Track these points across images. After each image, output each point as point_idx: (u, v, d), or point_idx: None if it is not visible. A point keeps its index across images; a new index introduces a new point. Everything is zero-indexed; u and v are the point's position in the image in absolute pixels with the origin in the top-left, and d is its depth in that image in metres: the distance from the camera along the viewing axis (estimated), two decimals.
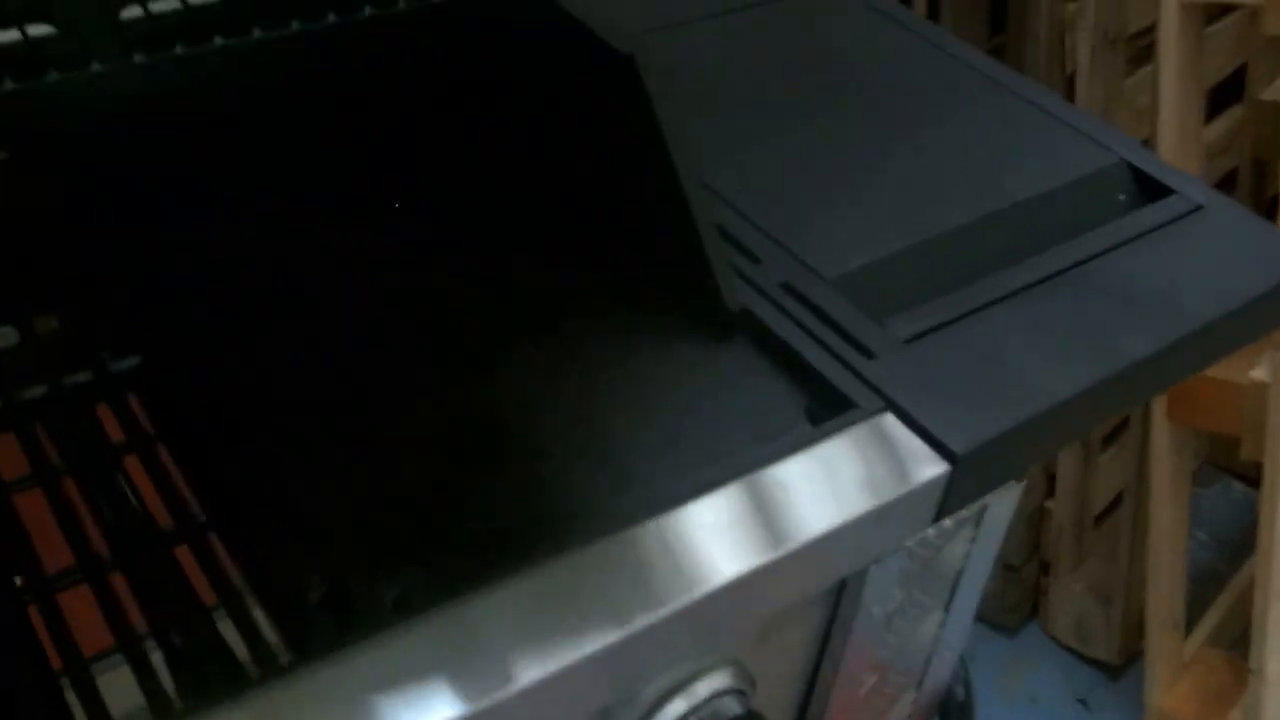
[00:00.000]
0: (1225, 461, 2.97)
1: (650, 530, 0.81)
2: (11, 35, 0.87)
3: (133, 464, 0.94)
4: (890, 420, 0.91)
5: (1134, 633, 2.58)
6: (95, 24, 1.01)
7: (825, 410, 0.92)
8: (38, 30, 1.03)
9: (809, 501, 0.84)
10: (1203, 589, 2.68)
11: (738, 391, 0.94)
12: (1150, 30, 2.21)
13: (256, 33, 0.94)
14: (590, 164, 1.06)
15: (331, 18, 0.97)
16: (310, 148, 1.12)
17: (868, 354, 0.95)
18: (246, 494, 0.91)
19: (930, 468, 0.88)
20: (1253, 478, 2.69)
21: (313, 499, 0.87)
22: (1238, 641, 2.50)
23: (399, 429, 0.90)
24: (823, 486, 0.86)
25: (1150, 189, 1.19)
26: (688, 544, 0.80)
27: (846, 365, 0.94)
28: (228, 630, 0.85)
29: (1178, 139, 1.95)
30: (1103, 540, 2.62)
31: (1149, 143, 2.09)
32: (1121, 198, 1.18)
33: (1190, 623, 2.46)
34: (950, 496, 0.91)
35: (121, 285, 0.99)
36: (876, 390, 0.93)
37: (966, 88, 1.28)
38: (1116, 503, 2.58)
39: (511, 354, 0.95)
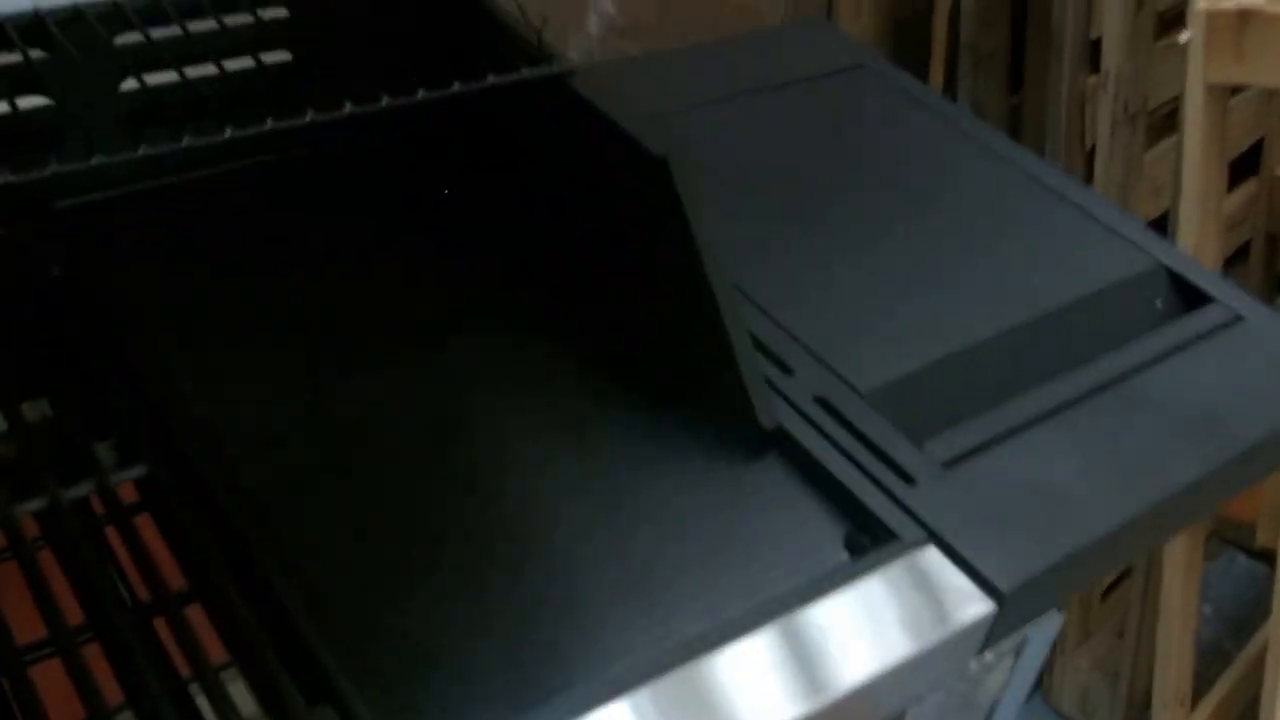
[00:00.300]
0: (1231, 535, 2.92)
1: (685, 676, 0.77)
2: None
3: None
4: (933, 554, 0.87)
5: (1139, 707, 2.53)
6: (92, 102, 0.97)
7: (865, 538, 0.88)
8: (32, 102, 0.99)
9: (849, 646, 0.80)
10: (1207, 664, 2.63)
11: (774, 515, 0.90)
12: (1170, 104, 2.17)
13: (269, 123, 0.89)
14: (622, 258, 1.02)
15: (348, 108, 0.92)
16: (329, 238, 1.08)
17: (908, 479, 0.91)
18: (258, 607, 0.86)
19: (975, 606, 0.84)
20: (1259, 551, 2.65)
21: (320, 620, 0.83)
22: (1243, 717, 2.45)
23: (415, 550, 0.85)
24: (863, 628, 0.81)
25: (1188, 294, 1.15)
26: (723, 693, 0.76)
27: (886, 491, 0.90)
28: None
29: (1199, 218, 1.91)
30: (1110, 614, 2.57)
31: (1169, 219, 2.06)
32: (1159, 304, 1.14)
33: (1194, 698, 2.41)
34: (993, 632, 0.86)
35: (122, 381, 0.94)
36: (917, 520, 0.88)
37: (998, 180, 1.24)
38: (1124, 576, 2.54)
39: (541, 467, 0.91)
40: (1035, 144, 2.22)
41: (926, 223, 1.16)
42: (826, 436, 0.94)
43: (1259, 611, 1.92)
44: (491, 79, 0.96)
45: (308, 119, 0.88)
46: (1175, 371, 1.04)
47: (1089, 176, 2.14)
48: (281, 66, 1.07)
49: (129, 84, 1.03)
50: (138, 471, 0.89)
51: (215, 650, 0.80)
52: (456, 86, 0.95)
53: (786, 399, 0.96)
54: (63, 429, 1.06)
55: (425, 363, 0.98)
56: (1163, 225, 2.18)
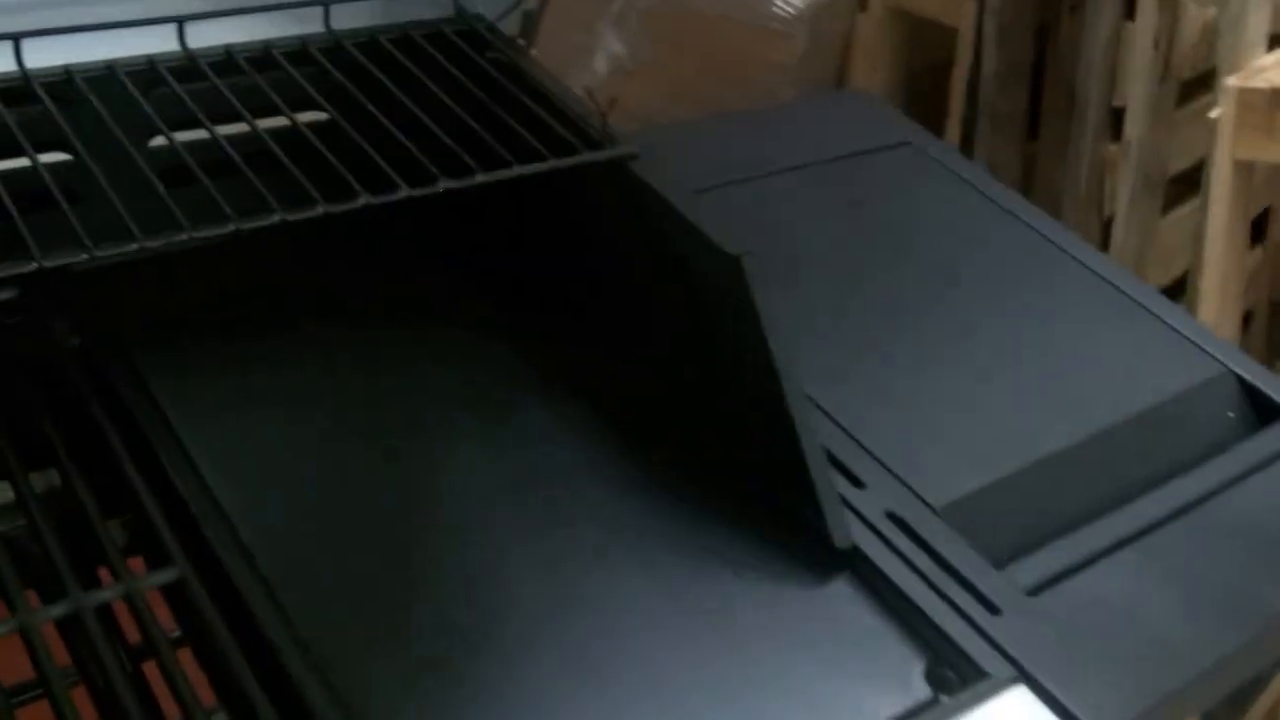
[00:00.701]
0: None
1: None
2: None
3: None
4: (1023, 693, 0.80)
5: None
6: (118, 160, 0.89)
7: (949, 672, 0.81)
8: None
9: None
10: None
11: (849, 641, 0.83)
12: (1190, 172, 2.13)
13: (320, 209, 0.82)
14: (690, 350, 0.96)
15: (403, 192, 0.85)
16: (369, 304, 1.01)
17: (992, 608, 0.85)
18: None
19: None
20: None
21: None
22: None
23: (466, 665, 0.78)
24: None
25: (1259, 402, 1.10)
26: None
27: (969, 620, 0.84)
28: None
29: (1219, 291, 1.87)
30: None
31: (1184, 285, 2.01)
32: (1231, 414, 1.08)
33: None
34: None
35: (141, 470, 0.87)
36: (1004, 654, 0.82)
37: (1055, 272, 1.18)
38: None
39: (603, 583, 0.84)
40: (1047, 207, 2.17)
41: (988, 319, 1.10)
42: (902, 557, 0.88)
43: None
44: (551, 162, 0.89)
45: (360, 203, 0.81)
46: (1257, 491, 0.98)
47: (1104, 245, 2.09)
48: (319, 125, 1.00)
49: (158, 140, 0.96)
50: (167, 576, 0.81)
51: None
52: (515, 169, 0.88)
53: (858, 514, 0.90)
54: (74, 508, 1.00)
55: (454, 454, 0.91)
56: (1170, 293, 2.13)
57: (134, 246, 0.75)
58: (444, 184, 0.84)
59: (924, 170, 1.25)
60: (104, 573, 0.87)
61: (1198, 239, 1.90)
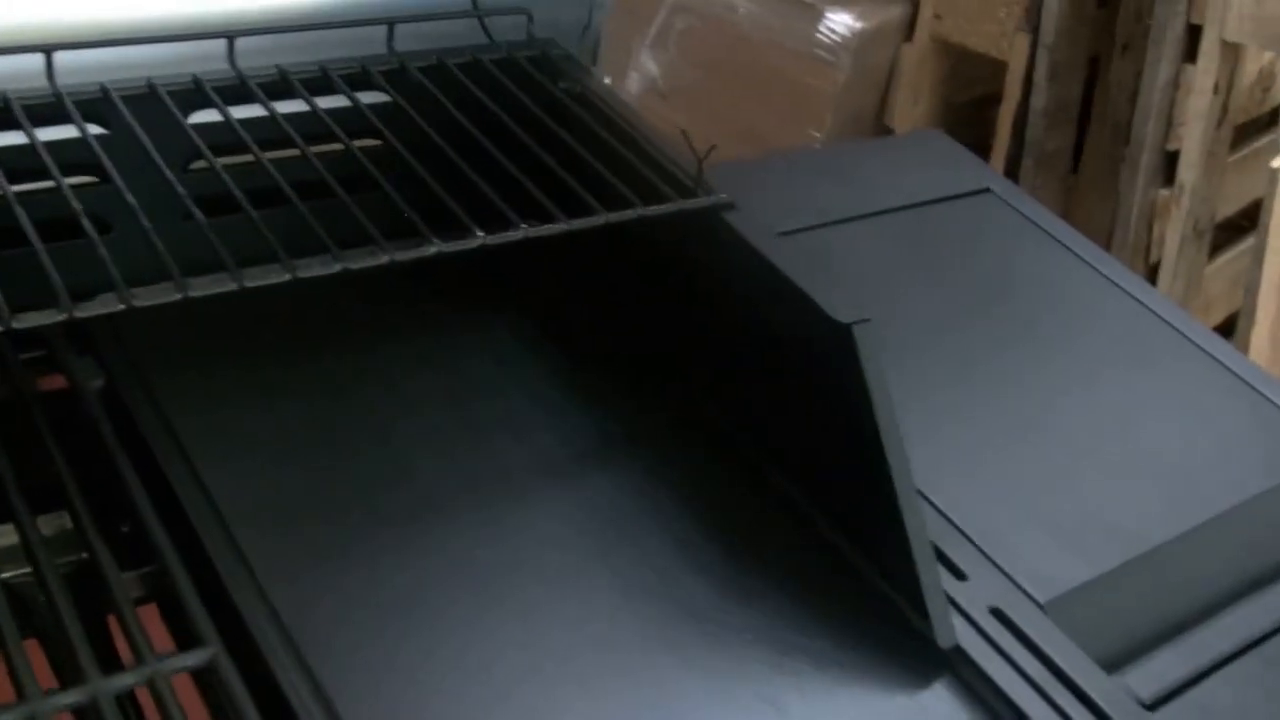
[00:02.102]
0: None
1: None
2: None
3: None
4: None
5: None
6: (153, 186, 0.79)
7: None
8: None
9: None
10: None
11: None
12: (1236, 218, 2.04)
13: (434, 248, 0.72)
14: (786, 408, 0.86)
15: (480, 238, 0.75)
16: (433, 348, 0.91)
17: None
18: None
19: None
20: None
21: None
22: None
23: None
24: None
25: None
26: None
27: None
28: None
29: (1272, 341, 1.78)
30: None
31: (1227, 331, 1.92)
32: None
33: None
34: None
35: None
36: None
37: (1146, 335, 1.08)
38: None
39: (682, 684, 0.74)
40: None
41: (1083, 388, 1.00)
42: (1007, 658, 0.78)
43: None
44: (641, 210, 0.79)
45: (431, 252, 0.71)
46: None
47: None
48: (376, 153, 0.89)
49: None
50: (198, 659, 0.70)
51: None
52: (603, 217, 0.78)
53: (960, 609, 0.79)
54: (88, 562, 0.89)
55: (519, 521, 0.81)
56: None
57: (176, 296, 0.64)
58: (525, 231, 0.74)
59: (1006, 221, 1.15)
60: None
61: (1249, 290, 1.80)
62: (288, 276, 0.67)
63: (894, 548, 0.77)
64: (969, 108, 2.23)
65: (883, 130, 2.22)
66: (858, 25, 2.12)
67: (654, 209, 0.80)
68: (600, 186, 0.82)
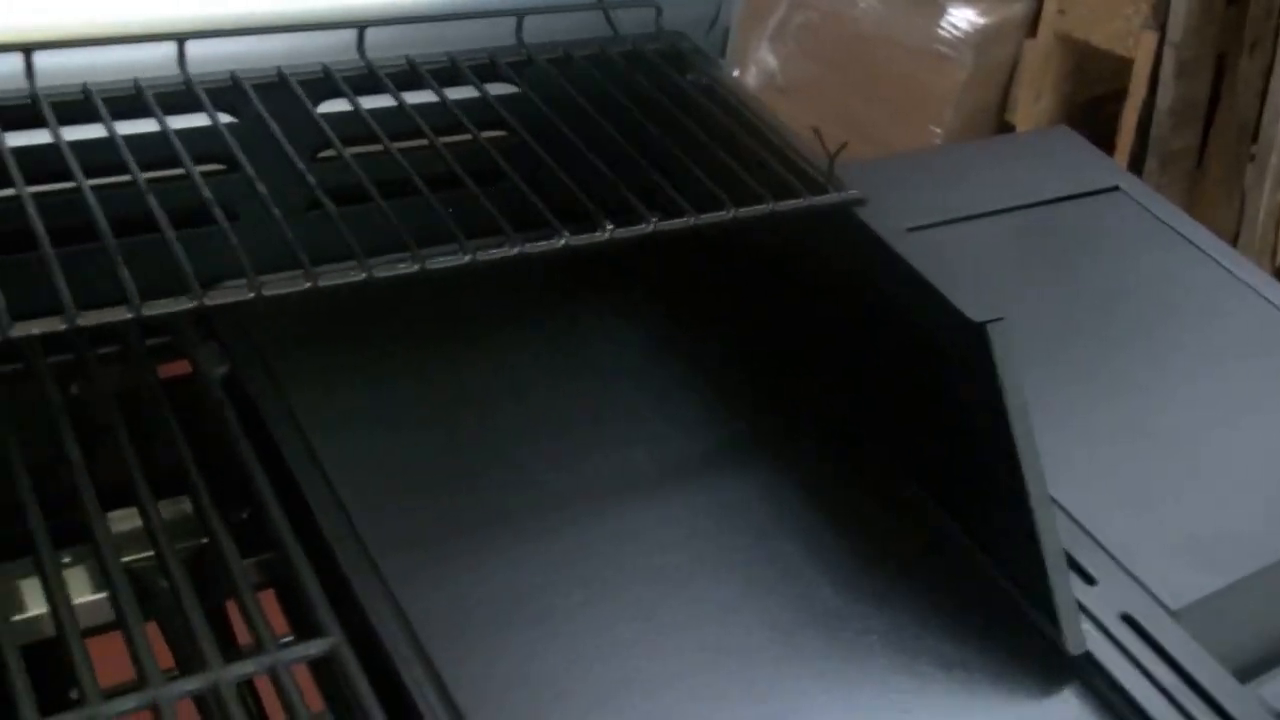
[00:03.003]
0: None
1: None
2: None
3: None
4: None
5: None
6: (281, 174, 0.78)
7: None
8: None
9: None
10: None
11: None
12: None
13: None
14: (915, 418, 0.83)
15: (609, 231, 0.73)
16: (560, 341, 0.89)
17: None
18: None
19: None
20: None
21: None
22: None
23: None
24: None
25: None
26: None
27: None
28: None
29: None
30: None
31: None
32: None
33: None
34: None
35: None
36: None
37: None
38: None
39: (807, 684, 0.71)
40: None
41: (1215, 393, 0.96)
42: (1138, 665, 0.75)
43: None
44: (772, 205, 0.77)
45: (560, 244, 0.69)
46: None
47: None
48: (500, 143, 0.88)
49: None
50: (319, 648, 0.70)
51: None
52: (732, 212, 0.75)
53: (1089, 614, 0.77)
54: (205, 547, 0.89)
55: (633, 524, 0.79)
56: None
57: (305, 285, 0.63)
58: (655, 224, 0.72)
59: (1137, 220, 1.11)
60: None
61: None
62: (416, 268, 0.65)
63: (1025, 552, 0.74)
64: (1091, 105, 2.17)
65: (1003, 128, 2.18)
66: (980, 21, 2.07)
67: (785, 204, 0.78)
68: (729, 181, 0.80)
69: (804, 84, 2.26)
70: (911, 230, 0.84)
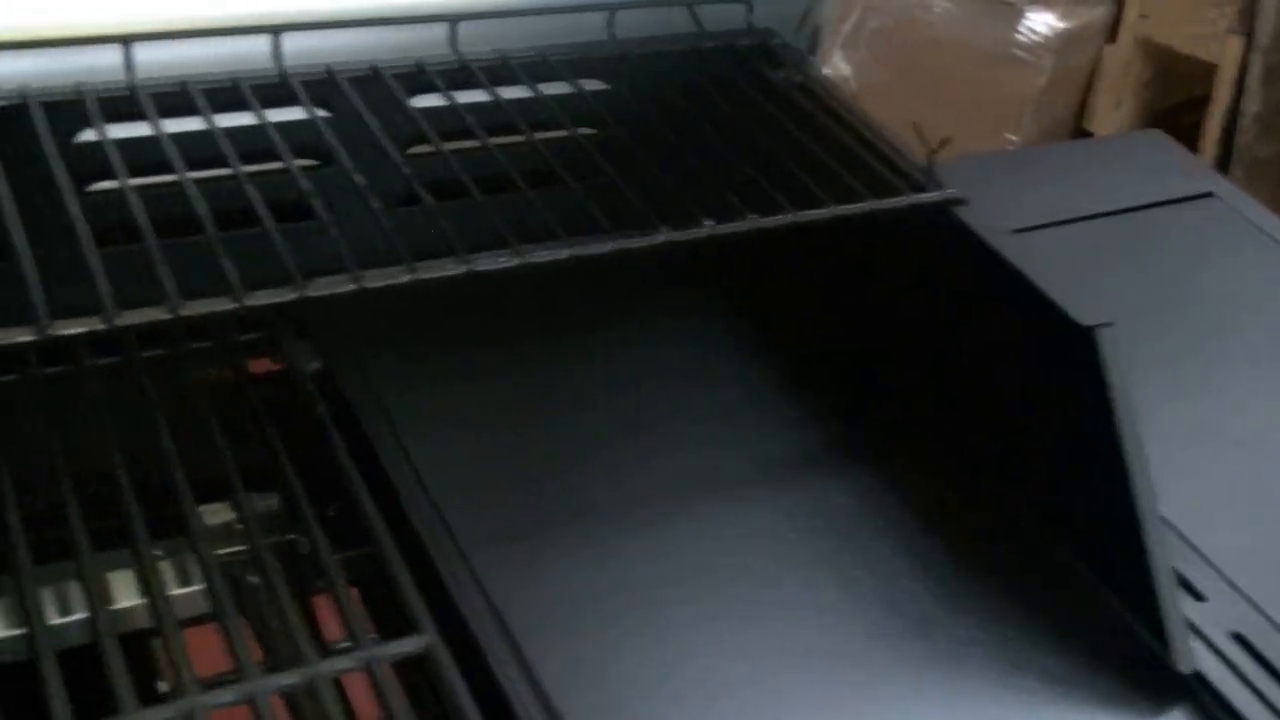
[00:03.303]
0: None
1: None
2: None
3: None
4: None
5: None
6: (374, 168, 0.77)
7: None
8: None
9: None
10: None
11: None
12: None
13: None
14: (1018, 424, 0.81)
15: (707, 228, 0.72)
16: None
17: None
18: None
19: None
20: None
21: None
22: None
23: None
24: None
25: None
26: None
27: None
28: None
29: None
30: None
31: None
32: None
33: None
34: None
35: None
36: None
37: None
38: None
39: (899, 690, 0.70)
40: None
41: None
42: (1251, 687, 0.72)
43: None
44: (871, 203, 0.75)
45: (661, 240, 0.68)
46: None
47: None
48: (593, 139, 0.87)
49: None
50: (414, 646, 0.68)
51: None
52: (830, 209, 0.74)
53: (1199, 633, 0.74)
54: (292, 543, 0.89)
55: (727, 524, 0.78)
56: None
57: (406, 279, 0.63)
58: (754, 221, 0.71)
59: (1232, 227, 1.09)
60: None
61: None
62: (517, 261, 0.65)
63: (1132, 566, 0.72)
64: (1171, 112, 2.14)
65: (1080, 135, 2.15)
66: (1060, 25, 2.05)
67: (885, 203, 0.77)
68: (825, 178, 0.79)
69: (877, 90, 2.24)
70: (1016, 232, 0.83)
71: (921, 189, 0.79)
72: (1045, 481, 0.80)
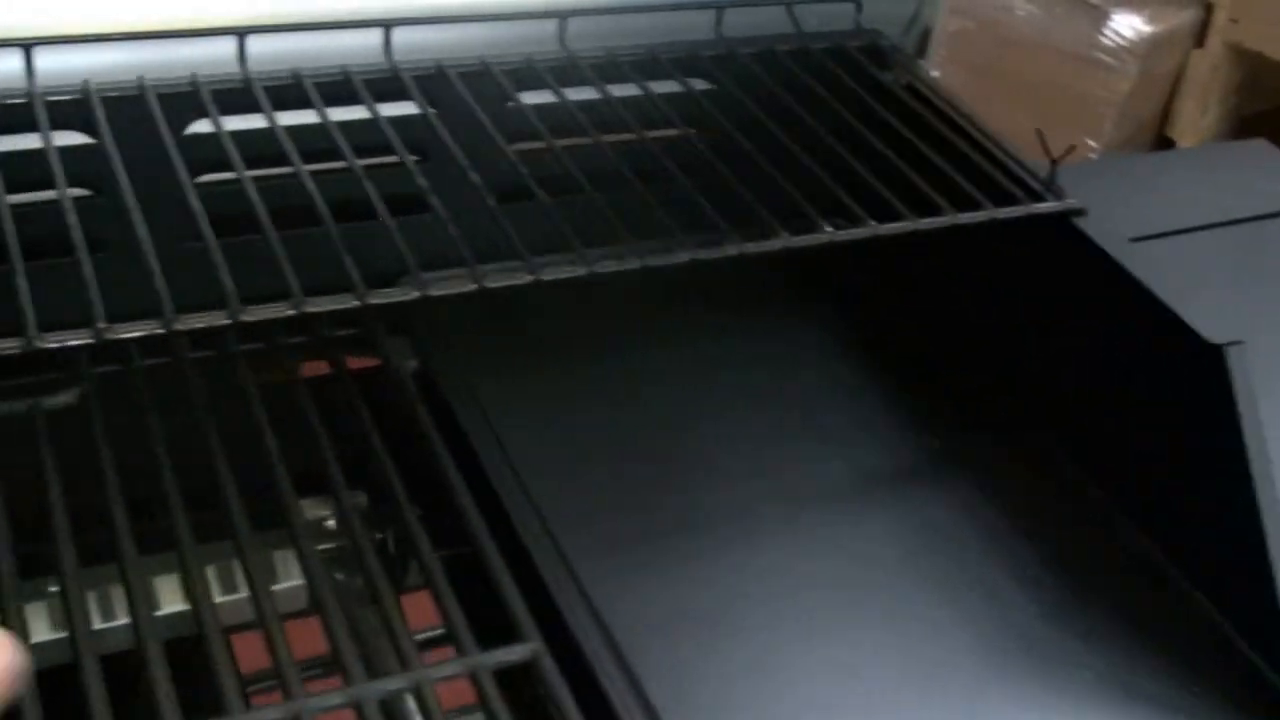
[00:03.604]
0: None
1: None
2: None
3: None
4: None
5: None
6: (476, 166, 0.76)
7: None
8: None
9: None
10: None
11: None
12: None
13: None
14: (1147, 445, 0.79)
15: (828, 233, 0.71)
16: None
17: None
18: None
19: None
20: None
21: None
22: None
23: None
24: None
25: None
26: None
27: None
28: None
29: None
30: None
31: None
32: None
33: None
34: None
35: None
36: None
37: None
38: None
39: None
40: None
41: None
42: None
43: None
44: (991, 211, 0.74)
45: (778, 245, 0.67)
46: None
47: None
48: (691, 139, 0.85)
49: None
50: (520, 654, 0.67)
51: None
52: (949, 217, 0.73)
53: None
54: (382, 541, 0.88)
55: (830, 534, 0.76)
56: None
57: (528, 279, 0.61)
58: (873, 228, 0.69)
59: None
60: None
61: None
62: (637, 265, 0.63)
63: (1252, 596, 0.70)
64: (1257, 120, 2.10)
65: (1163, 142, 2.12)
66: (1146, 29, 2.01)
67: (1006, 211, 0.75)
68: (940, 184, 0.77)
69: (956, 93, 2.22)
70: (1133, 242, 0.81)
71: (1039, 197, 0.77)
72: (1159, 502, 0.79)
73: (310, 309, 0.59)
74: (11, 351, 0.56)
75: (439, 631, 0.75)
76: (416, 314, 0.84)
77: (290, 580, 0.87)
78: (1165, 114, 2.13)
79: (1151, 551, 0.78)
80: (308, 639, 0.71)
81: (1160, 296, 0.71)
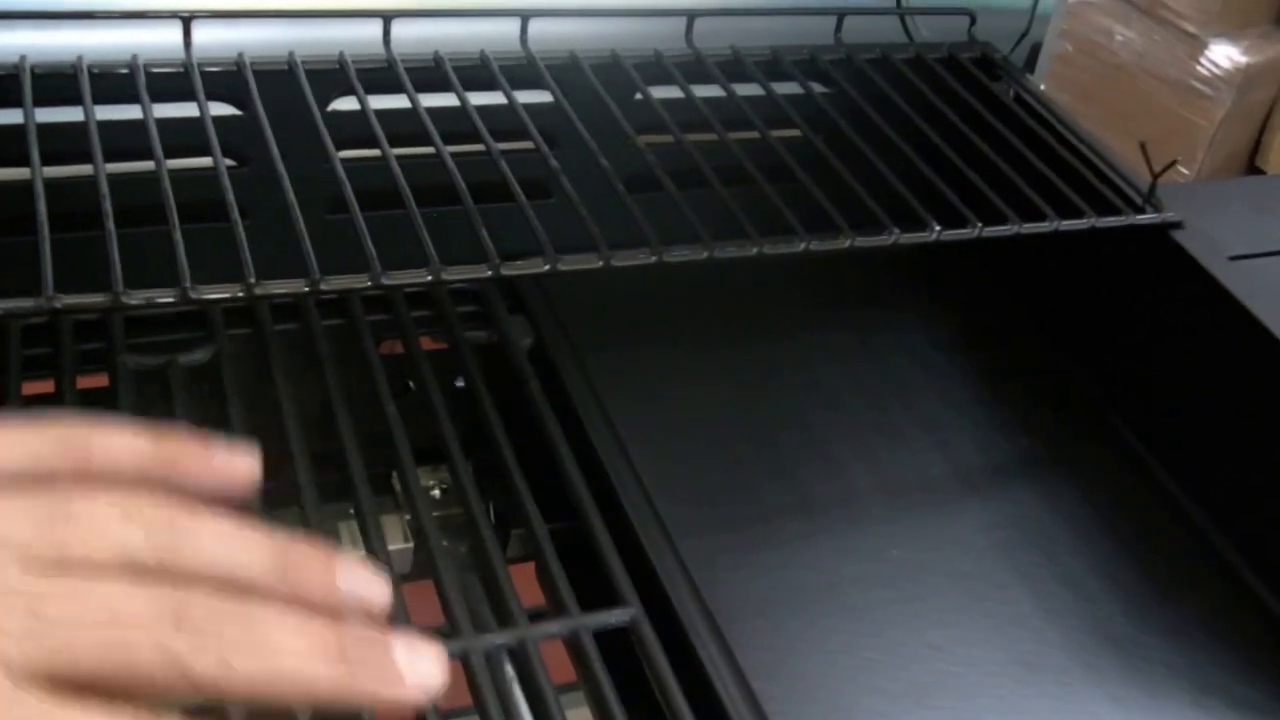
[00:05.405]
0: None
1: None
2: None
3: None
4: None
5: None
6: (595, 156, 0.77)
7: None
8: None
9: None
10: None
11: None
12: None
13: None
14: (1240, 460, 0.79)
15: (936, 232, 0.71)
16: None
17: None
18: None
19: None
20: None
21: None
22: None
23: None
24: None
25: None
26: None
27: None
28: None
29: None
30: None
31: None
32: None
33: None
34: None
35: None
36: None
37: None
38: None
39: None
40: None
41: None
42: None
43: None
44: (1092, 219, 0.74)
45: (890, 240, 0.67)
46: None
47: None
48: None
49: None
50: (619, 618, 0.68)
51: None
52: (1053, 223, 0.73)
53: None
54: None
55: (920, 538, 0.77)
56: None
57: (651, 259, 0.63)
58: (979, 230, 0.70)
59: None
60: None
61: None
62: (754, 250, 0.64)
63: None
64: None
65: (1253, 172, 2.09)
66: (1243, 60, 1.99)
67: (1107, 220, 0.75)
68: (1044, 192, 0.78)
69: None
70: (1231, 259, 0.81)
71: (1139, 209, 0.77)
72: (1249, 514, 0.78)
73: (448, 276, 0.60)
74: (168, 301, 0.58)
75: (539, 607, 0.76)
76: (536, 296, 0.85)
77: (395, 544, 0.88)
78: (1257, 144, 2.10)
79: (1238, 562, 0.78)
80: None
81: (1257, 314, 0.71)
